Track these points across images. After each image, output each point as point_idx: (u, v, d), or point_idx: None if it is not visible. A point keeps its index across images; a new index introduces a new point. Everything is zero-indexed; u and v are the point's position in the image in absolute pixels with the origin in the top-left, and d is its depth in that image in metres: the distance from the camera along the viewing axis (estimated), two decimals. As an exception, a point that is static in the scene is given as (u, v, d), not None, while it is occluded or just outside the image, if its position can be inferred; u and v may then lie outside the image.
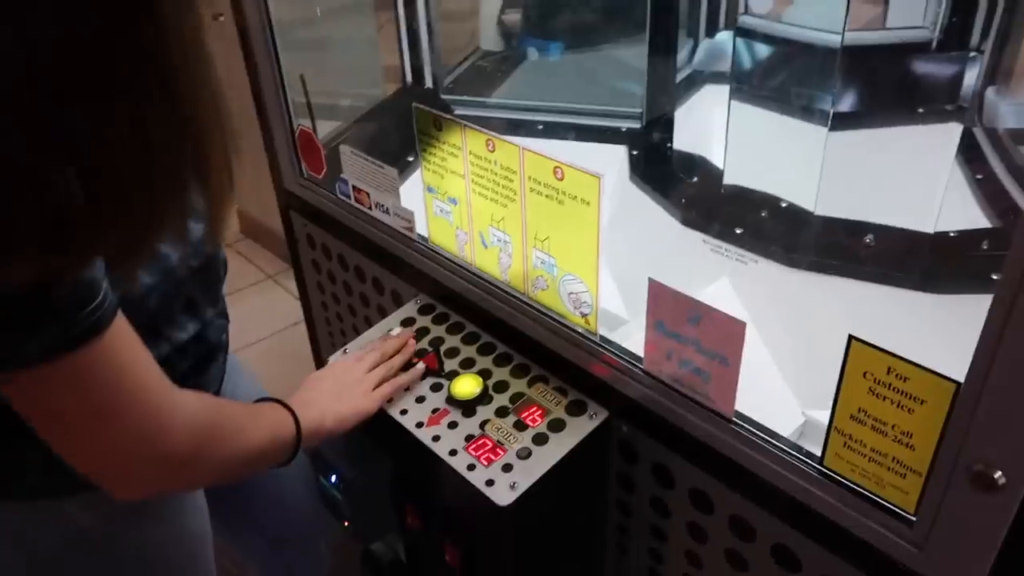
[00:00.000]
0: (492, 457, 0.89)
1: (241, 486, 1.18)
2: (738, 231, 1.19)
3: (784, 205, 1.28)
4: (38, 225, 0.55)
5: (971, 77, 1.53)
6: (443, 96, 1.81)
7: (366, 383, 0.98)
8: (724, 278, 1.17)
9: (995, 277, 0.87)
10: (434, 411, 0.96)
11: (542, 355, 1.00)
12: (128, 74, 0.55)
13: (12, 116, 0.52)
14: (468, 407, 0.96)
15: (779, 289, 1.11)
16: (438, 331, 1.08)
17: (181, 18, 0.57)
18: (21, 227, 0.54)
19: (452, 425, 0.94)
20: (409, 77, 1.79)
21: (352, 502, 1.03)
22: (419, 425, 0.95)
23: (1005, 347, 0.56)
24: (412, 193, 1.14)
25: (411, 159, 1.51)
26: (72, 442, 0.68)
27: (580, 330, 0.94)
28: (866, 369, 0.68)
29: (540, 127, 1.67)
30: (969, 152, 1.38)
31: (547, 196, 0.84)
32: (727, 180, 1.32)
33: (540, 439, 0.91)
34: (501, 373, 1.00)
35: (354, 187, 1.17)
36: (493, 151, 0.87)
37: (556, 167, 0.82)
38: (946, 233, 1.12)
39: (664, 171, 1.48)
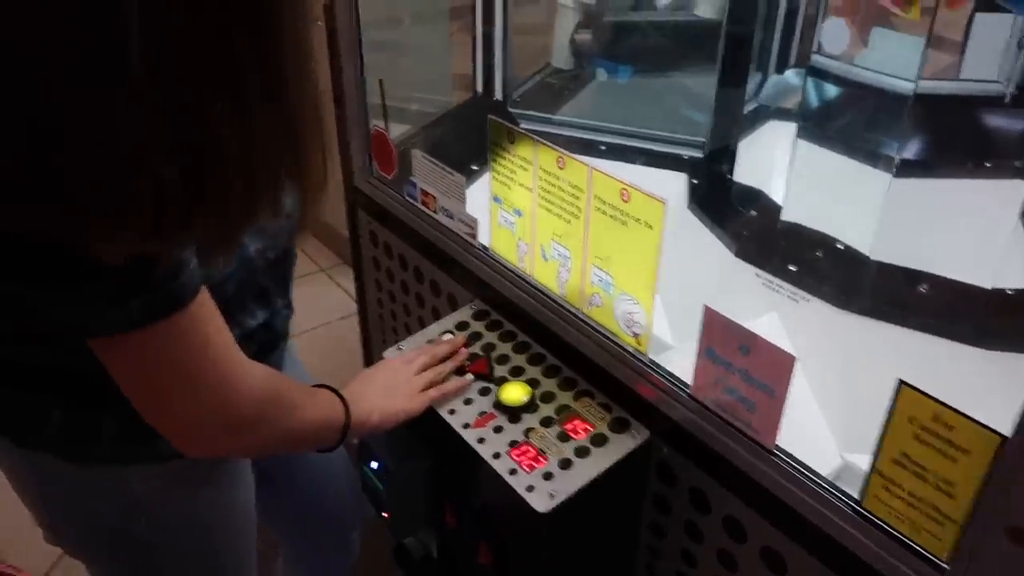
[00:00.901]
0: (534, 464, 0.91)
1: (287, 467, 1.22)
2: (792, 268, 1.20)
3: (840, 246, 1.28)
4: (142, 210, 0.58)
5: (1042, 135, 1.52)
6: (511, 109, 1.85)
7: (415, 384, 1.01)
8: (773, 313, 1.18)
9: (1050, 338, 0.87)
10: (481, 414, 0.99)
11: (590, 370, 1.02)
12: (244, 71, 0.59)
13: (133, 104, 0.55)
14: (514, 414, 0.99)
15: (828, 330, 1.12)
16: (491, 337, 1.12)
17: (295, 19, 0.61)
18: (127, 211, 0.58)
19: (497, 430, 0.97)
20: (480, 87, 1.83)
21: (394, 494, 1.06)
22: (466, 426, 0.98)
23: (1054, 406, 0.58)
24: (474, 200, 1.17)
25: (475, 167, 1.55)
26: (156, 402, 0.73)
27: (630, 349, 0.97)
28: (912, 414, 0.69)
29: (603, 147, 1.70)
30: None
31: (611, 216, 0.87)
32: (785, 216, 1.33)
33: (582, 452, 0.94)
34: (549, 384, 1.03)
35: (422, 190, 1.21)
36: (563, 168, 0.90)
37: (623, 189, 0.84)
38: (1003, 290, 1.12)
39: (722, 202, 1.50)
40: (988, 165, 1.54)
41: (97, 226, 0.58)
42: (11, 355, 0.80)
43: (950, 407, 0.67)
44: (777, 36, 1.79)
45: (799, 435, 0.89)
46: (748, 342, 0.81)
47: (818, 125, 1.41)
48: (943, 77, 1.50)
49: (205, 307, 0.71)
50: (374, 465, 1.06)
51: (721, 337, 0.82)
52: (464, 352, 1.08)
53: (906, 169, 1.30)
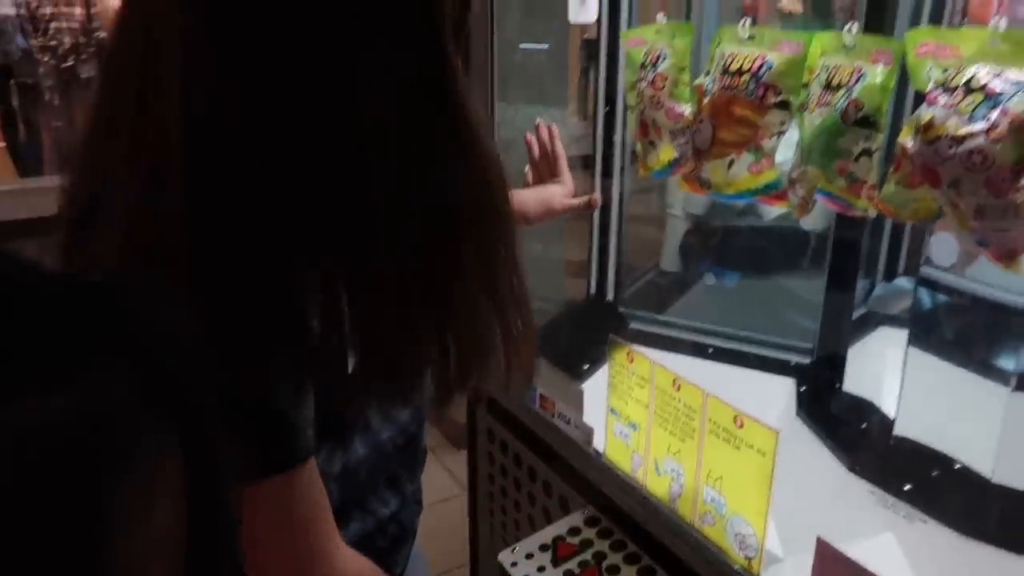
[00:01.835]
0: None
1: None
2: (906, 487, 1.19)
3: (958, 467, 1.26)
4: (297, 359, 0.60)
5: None
6: (621, 309, 1.95)
7: None
8: (889, 533, 1.16)
9: None
10: (592, 625, 1.01)
11: (701, 587, 1.03)
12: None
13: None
14: (625, 627, 1.00)
15: (948, 556, 1.10)
16: (601, 545, 1.14)
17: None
18: (280, 356, 0.59)
19: (608, 643, 0.98)
20: (593, 288, 1.95)
21: None
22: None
23: None
24: (587, 401, 1.24)
25: (586, 367, 1.64)
26: (253, 551, 0.71)
27: (739, 569, 0.98)
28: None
29: (710, 350, 1.76)
30: None
31: (724, 440, 0.92)
32: (897, 431, 1.33)
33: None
34: (659, 598, 1.04)
35: (541, 394, 1.29)
36: (679, 390, 0.97)
37: (736, 416, 0.90)
38: None
39: (832, 412, 1.51)
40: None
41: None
42: None
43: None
44: (885, 244, 1.85)
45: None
46: (864, 576, 0.81)
47: (930, 334, 1.42)
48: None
49: (314, 472, 0.70)
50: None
51: (835, 573, 0.83)
52: None
53: (1022, 383, 1.29)
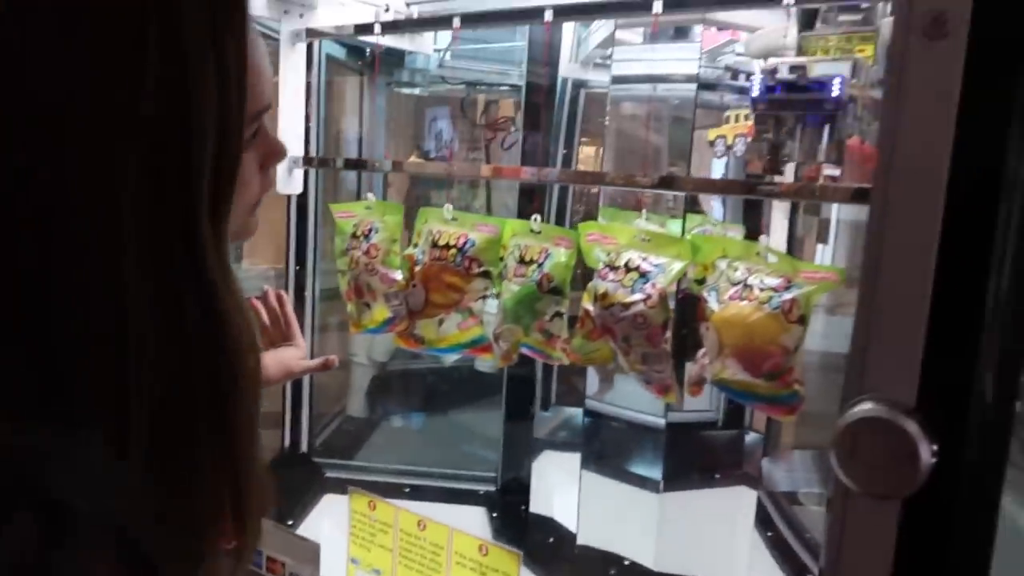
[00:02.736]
0: None
1: None
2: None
3: (627, 563, 1.53)
4: None
5: (752, 449, 1.97)
6: (314, 459, 1.98)
7: None
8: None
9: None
10: None
11: None
12: None
13: None
14: None
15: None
16: None
17: None
18: None
19: None
20: (287, 441, 1.96)
21: None
22: None
23: None
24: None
25: (290, 523, 1.64)
26: None
27: None
28: None
29: (407, 490, 1.87)
30: (760, 512, 1.74)
31: (471, 569, 1.03)
32: (580, 541, 1.56)
33: None
34: None
35: (268, 556, 1.28)
36: (424, 530, 1.07)
37: (481, 545, 1.02)
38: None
39: (523, 533, 1.71)
40: (718, 476, 1.94)
41: None
42: None
43: None
44: (554, 375, 2.16)
45: None
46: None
47: (595, 454, 1.71)
48: (676, 409, 1.91)
49: None
50: None
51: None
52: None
53: (667, 486, 1.62)
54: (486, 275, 1.21)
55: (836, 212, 1.69)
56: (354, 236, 1.34)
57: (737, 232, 1.46)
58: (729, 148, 1.52)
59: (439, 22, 1.37)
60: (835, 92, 0.89)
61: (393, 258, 1.31)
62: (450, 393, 2.25)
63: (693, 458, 1.92)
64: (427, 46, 1.84)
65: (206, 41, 0.50)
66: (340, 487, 1.90)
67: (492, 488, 1.88)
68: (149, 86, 0.49)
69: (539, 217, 1.16)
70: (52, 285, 0.49)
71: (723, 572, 1.51)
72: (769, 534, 1.65)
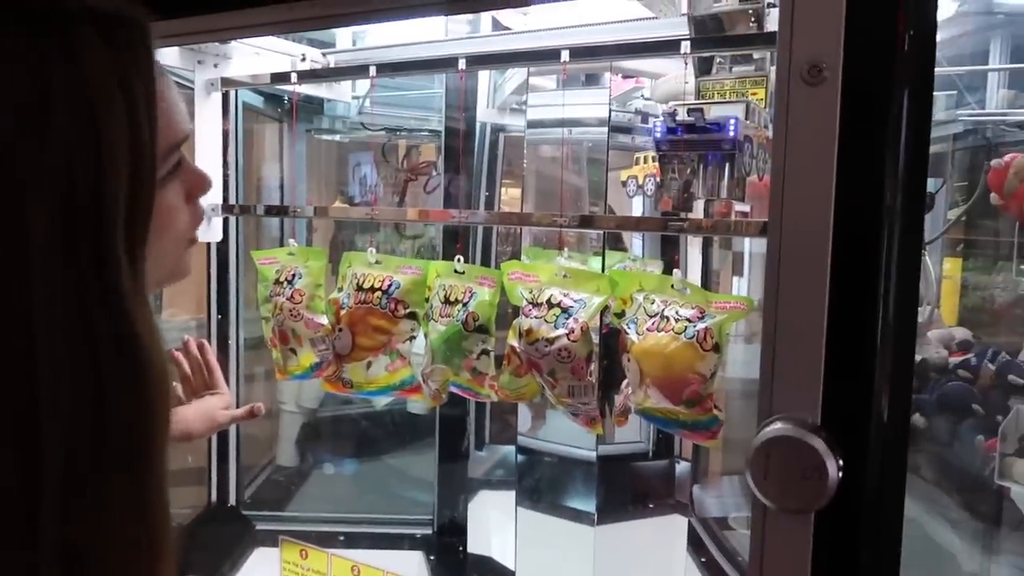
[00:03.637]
0: None
1: None
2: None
3: (567, 597, 1.54)
4: None
5: (682, 478, 2.01)
6: (244, 512, 1.93)
7: None
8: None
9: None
10: None
11: None
12: None
13: None
14: None
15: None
16: None
17: None
18: None
19: None
20: (215, 495, 1.91)
21: None
22: None
23: None
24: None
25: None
26: None
27: None
28: None
29: (341, 538, 1.84)
30: (693, 538, 1.78)
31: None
32: (518, 578, 1.57)
33: None
34: None
35: (196, 616, 1.24)
36: (305, 558, 1.06)
37: (354, 566, 1.02)
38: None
39: (462, 574, 1.70)
40: (651, 506, 1.97)
41: None
42: None
43: None
44: (487, 414, 2.17)
45: None
46: None
47: (529, 491, 1.73)
48: (608, 441, 1.95)
49: None
50: None
51: None
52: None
53: (601, 518, 1.64)
54: (412, 316, 1.22)
55: (748, 245, 1.77)
56: (277, 282, 1.33)
57: (656, 267, 1.52)
58: (640, 187, 1.58)
59: (356, 71, 1.39)
60: (731, 132, 0.95)
61: (318, 303, 1.31)
62: (383, 437, 2.23)
63: (626, 489, 1.96)
64: (345, 94, 1.86)
65: (112, 81, 0.51)
66: (272, 539, 1.86)
67: (429, 531, 1.86)
68: (57, 129, 0.49)
69: (462, 258, 1.18)
70: None
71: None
72: (703, 560, 1.69)
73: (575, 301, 1.07)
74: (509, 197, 2.26)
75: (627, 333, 1.03)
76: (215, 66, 1.47)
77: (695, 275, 1.81)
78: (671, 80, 1.35)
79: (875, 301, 0.63)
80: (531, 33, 1.24)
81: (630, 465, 2.02)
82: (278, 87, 1.56)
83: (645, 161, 1.63)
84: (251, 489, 2.05)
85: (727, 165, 1.02)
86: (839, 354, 0.63)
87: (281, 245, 1.84)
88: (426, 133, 2.19)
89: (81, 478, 0.51)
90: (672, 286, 1.02)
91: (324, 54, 1.61)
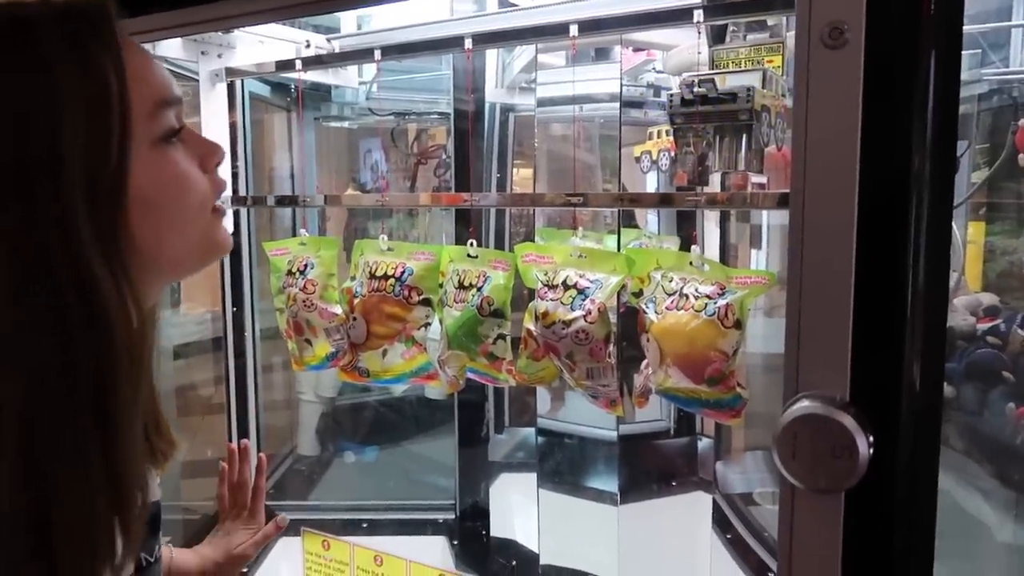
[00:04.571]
0: None
1: None
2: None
3: (593, 578, 1.53)
4: None
5: (705, 454, 1.99)
6: (266, 502, 1.93)
7: None
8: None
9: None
10: None
11: None
12: None
13: None
14: None
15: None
16: None
17: None
18: None
19: None
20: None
21: None
22: None
23: None
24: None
25: (244, 570, 1.60)
26: None
27: None
28: None
29: (364, 525, 1.84)
30: (718, 515, 1.76)
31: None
32: (543, 561, 1.56)
33: None
34: None
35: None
36: (381, 565, 1.05)
37: (440, 574, 1.01)
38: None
39: (485, 558, 1.70)
40: (674, 484, 1.96)
41: None
42: None
43: None
44: (506, 397, 2.16)
45: None
46: None
47: (551, 473, 1.72)
48: (627, 421, 1.93)
49: None
50: None
51: None
52: None
53: (624, 497, 1.63)
54: (426, 303, 1.20)
55: (767, 218, 1.74)
56: (290, 273, 1.32)
57: (672, 244, 1.49)
58: (654, 163, 1.55)
59: (360, 55, 1.37)
60: (747, 102, 0.92)
61: (331, 292, 1.30)
62: (402, 423, 2.23)
63: (648, 468, 1.94)
64: (352, 80, 1.84)
65: (72, 55, 0.53)
66: (295, 529, 1.86)
67: (451, 516, 1.86)
68: (13, 99, 0.52)
69: (475, 242, 1.16)
70: None
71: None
72: (728, 536, 1.67)
73: (591, 282, 1.05)
74: (520, 178, 2.23)
75: (645, 313, 1.01)
76: (219, 56, 1.45)
77: (712, 250, 1.78)
78: (683, 51, 1.31)
79: (904, 272, 0.61)
80: (538, 9, 1.21)
81: (652, 444, 1.99)
82: (284, 75, 1.53)
83: (659, 136, 1.59)
84: (273, 479, 2.06)
85: (744, 136, 0.99)
86: (867, 329, 0.61)
87: (294, 235, 1.83)
88: (435, 116, 2.16)
89: (44, 419, 0.53)
90: (691, 263, 1.00)
91: (329, 40, 1.59)
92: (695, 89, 0.95)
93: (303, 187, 2.18)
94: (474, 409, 1.88)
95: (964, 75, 1.28)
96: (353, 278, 1.27)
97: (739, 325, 0.94)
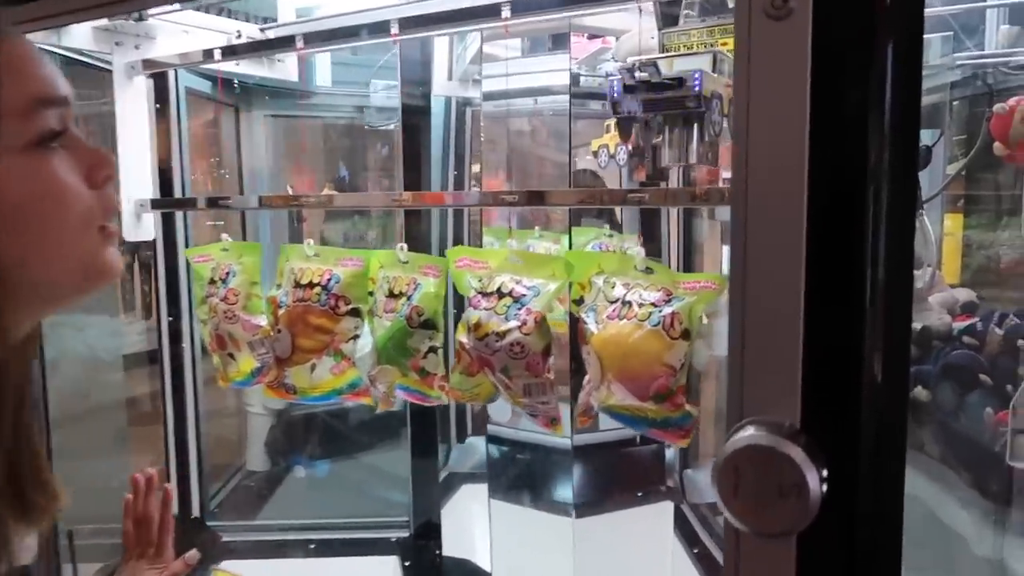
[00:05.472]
0: None
1: None
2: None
3: (549, 599, 1.43)
4: None
5: (672, 462, 1.90)
6: (208, 523, 1.82)
7: None
8: None
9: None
10: None
11: None
12: None
13: None
14: None
15: None
16: None
17: None
18: None
19: None
20: (175, 507, 1.79)
21: None
22: None
23: None
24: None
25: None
26: None
27: None
28: None
29: (312, 546, 1.73)
30: (685, 528, 1.67)
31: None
32: (497, 583, 1.46)
33: None
34: None
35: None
36: None
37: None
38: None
39: (438, 579, 1.60)
40: (639, 494, 1.86)
41: None
42: None
43: None
44: (467, 406, 2.06)
45: None
46: None
47: (504, 484, 1.62)
48: (587, 430, 1.83)
49: None
50: None
51: None
52: None
53: (584, 509, 1.54)
54: (355, 313, 1.10)
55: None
56: (211, 281, 1.21)
57: (633, 242, 1.39)
58: (612, 157, 1.46)
59: (284, 43, 1.26)
60: (695, 88, 0.82)
61: (256, 302, 1.19)
62: (355, 435, 2.12)
63: (611, 477, 1.85)
64: (292, 73, 1.73)
65: None
66: (240, 551, 1.75)
67: (404, 534, 1.76)
68: None
69: (405, 246, 1.06)
70: None
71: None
72: (696, 551, 1.58)
73: (528, 289, 0.95)
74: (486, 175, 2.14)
75: (586, 322, 0.91)
76: (136, 47, 1.33)
77: (676, 250, 1.69)
78: (634, 36, 1.21)
79: (862, 278, 0.52)
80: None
81: (618, 451, 1.90)
82: (206, 67, 1.42)
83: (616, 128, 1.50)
84: (219, 497, 1.95)
85: (697, 126, 0.89)
86: (820, 345, 0.51)
87: (254, 240, 1.72)
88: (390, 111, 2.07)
89: None
90: (635, 267, 0.90)
91: (263, 30, 1.48)
92: (636, 74, 0.85)
93: (254, 186, 2.08)
94: (428, 419, 1.77)
95: (936, 60, 1.19)
96: (278, 286, 1.17)
97: (687, 335, 0.84)
